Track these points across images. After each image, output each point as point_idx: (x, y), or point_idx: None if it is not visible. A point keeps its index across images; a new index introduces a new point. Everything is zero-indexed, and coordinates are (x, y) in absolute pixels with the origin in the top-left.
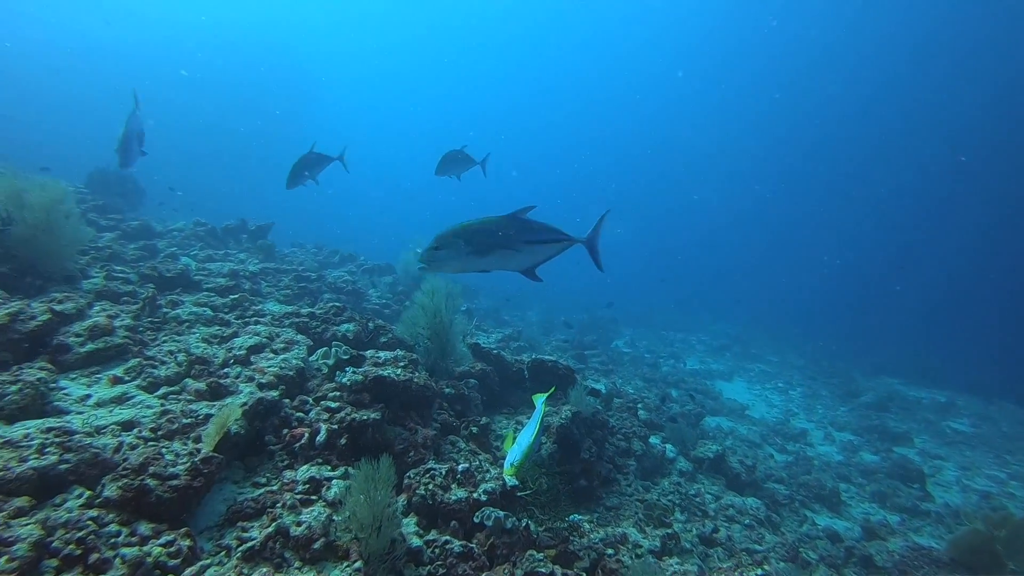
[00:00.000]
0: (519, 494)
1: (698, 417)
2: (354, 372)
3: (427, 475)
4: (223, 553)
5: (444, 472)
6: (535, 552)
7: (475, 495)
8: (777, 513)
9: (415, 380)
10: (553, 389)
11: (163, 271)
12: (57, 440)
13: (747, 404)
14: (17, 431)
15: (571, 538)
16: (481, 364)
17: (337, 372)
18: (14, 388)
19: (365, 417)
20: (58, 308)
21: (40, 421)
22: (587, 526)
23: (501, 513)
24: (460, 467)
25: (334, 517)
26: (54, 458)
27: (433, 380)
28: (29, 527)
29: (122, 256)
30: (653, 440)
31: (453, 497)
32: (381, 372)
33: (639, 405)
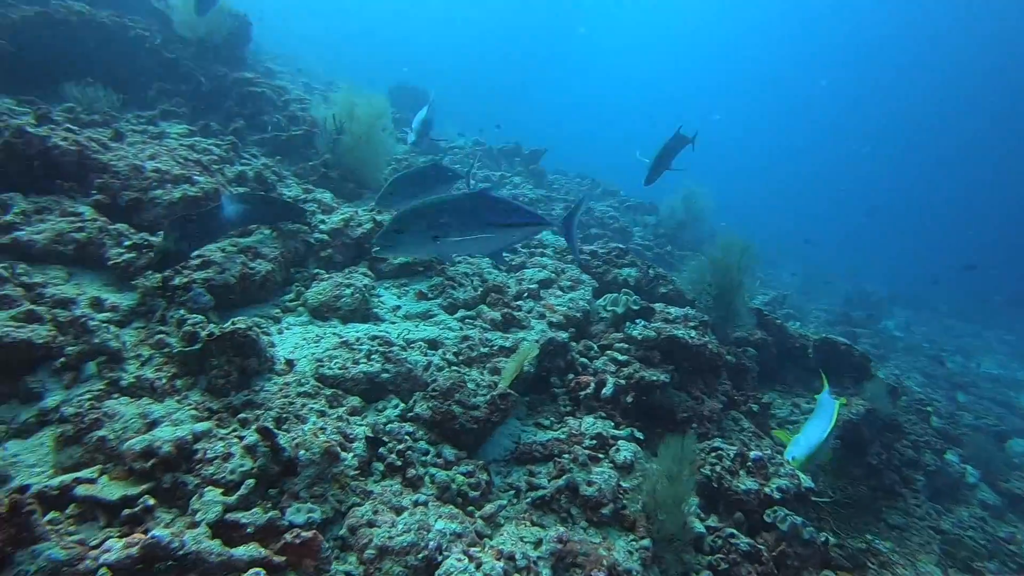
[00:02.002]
0: (817, 500)
1: (1002, 436)
2: (645, 326)
3: (713, 454)
4: (512, 493)
5: (733, 455)
6: (831, 573)
7: (767, 489)
8: None
9: (708, 345)
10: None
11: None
12: (380, 349)
13: None
14: (350, 333)
15: (869, 564)
16: (760, 332)
17: (627, 323)
18: (348, 292)
19: (654, 377)
20: (379, 218)
21: (366, 327)
22: (884, 548)
23: (799, 519)
24: (752, 454)
25: (622, 483)
26: (378, 366)
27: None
28: (362, 427)
29: None
30: (950, 457)
31: (742, 486)
32: (675, 331)
33: (929, 408)
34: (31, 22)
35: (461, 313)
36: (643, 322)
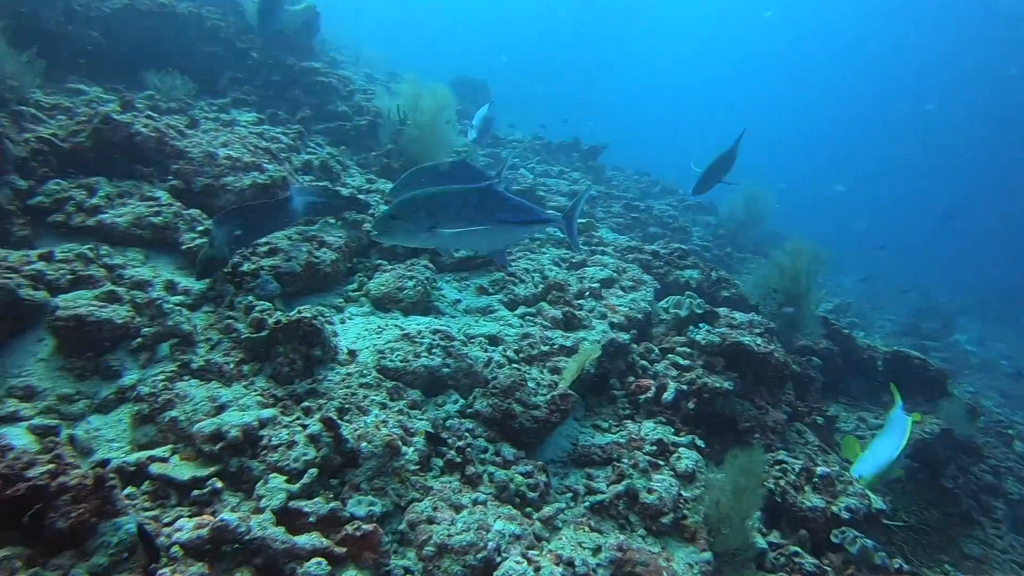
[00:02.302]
0: (888, 523)
1: None
2: (709, 331)
3: (778, 467)
4: (570, 496)
5: (798, 470)
6: None
7: (834, 508)
8: None
9: (775, 353)
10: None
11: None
12: (441, 343)
13: None
14: (412, 325)
15: None
16: (826, 342)
17: (690, 327)
18: (411, 284)
19: (717, 384)
20: None
21: (427, 320)
22: None
23: (870, 542)
24: (819, 470)
25: (683, 492)
26: (439, 360)
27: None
28: (423, 422)
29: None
30: None
31: (807, 503)
32: (740, 338)
33: (1011, 432)
34: (119, 14)
35: (521, 310)
36: (707, 326)
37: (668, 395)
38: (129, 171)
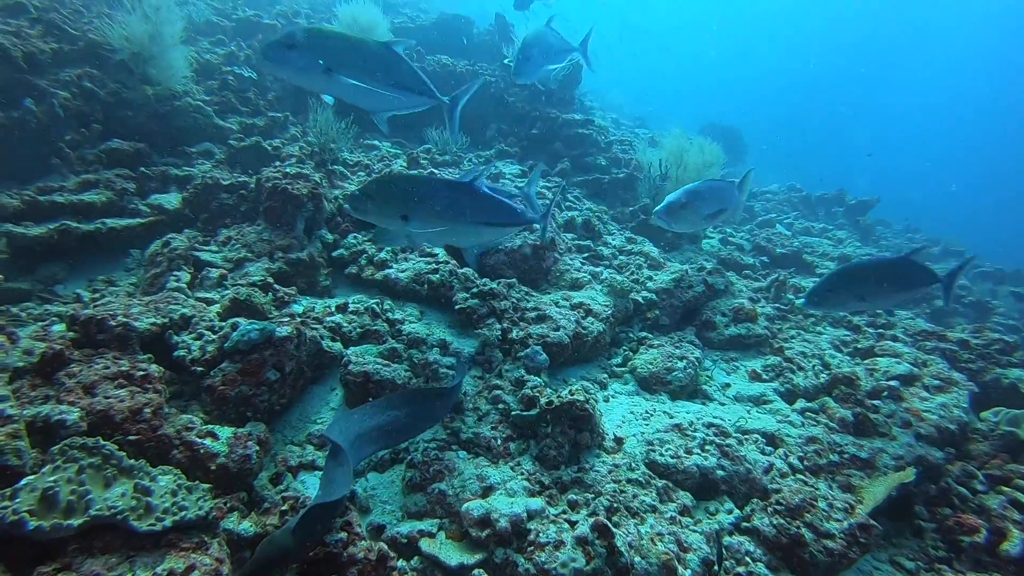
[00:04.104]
0: None
1: None
2: None
3: None
4: None
5: None
6: None
7: None
8: None
9: None
10: None
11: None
12: (716, 440)
13: None
14: (682, 413)
15: None
16: None
17: None
18: (680, 365)
19: None
20: (710, 280)
21: (697, 407)
22: None
23: None
24: None
25: None
26: (713, 461)
27: None
28: (696, 535)
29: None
30: None
31: None
32: None
33: None
34: None
35: (801, 404)
36: None
37: (1012, 547)
38: None
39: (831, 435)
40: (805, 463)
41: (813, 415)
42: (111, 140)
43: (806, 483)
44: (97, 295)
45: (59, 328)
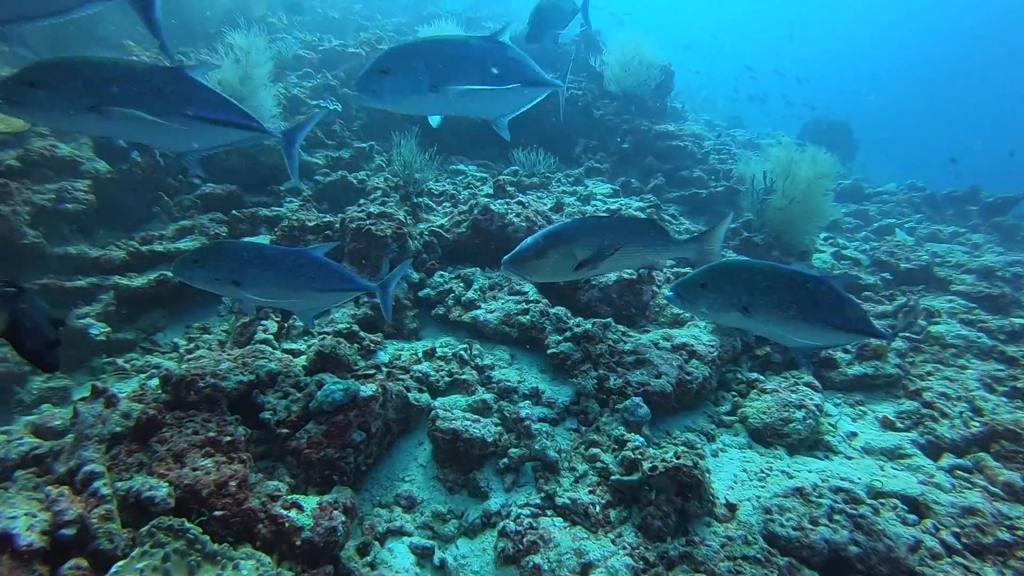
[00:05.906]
0: None
1: None
2: None
3: None
4: None
5: None
6: None
7: None
8: None
9: None
10: None
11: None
12: (846, 508)
13: None
14: (803, 473)
15: None
16: None
17: None
18: (799, 415)
19: None
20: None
21: (820, 464)
22: None
23: None
24: None
25: None
26: (845, 535)
27: None
28: None
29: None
30: None
31: None
32: None
33: None
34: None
35: (948, 460)
36: None
37: None
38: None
39: (993, 503)
40: (963, 541)
41: (966, 476)
42: (205, 185)
43: (968, 569)
44: (191, 344)
45: (155, 384)
